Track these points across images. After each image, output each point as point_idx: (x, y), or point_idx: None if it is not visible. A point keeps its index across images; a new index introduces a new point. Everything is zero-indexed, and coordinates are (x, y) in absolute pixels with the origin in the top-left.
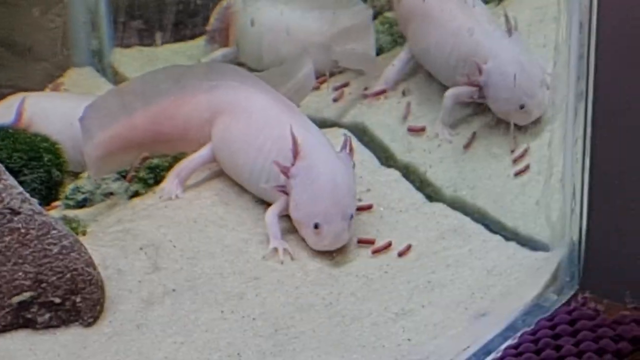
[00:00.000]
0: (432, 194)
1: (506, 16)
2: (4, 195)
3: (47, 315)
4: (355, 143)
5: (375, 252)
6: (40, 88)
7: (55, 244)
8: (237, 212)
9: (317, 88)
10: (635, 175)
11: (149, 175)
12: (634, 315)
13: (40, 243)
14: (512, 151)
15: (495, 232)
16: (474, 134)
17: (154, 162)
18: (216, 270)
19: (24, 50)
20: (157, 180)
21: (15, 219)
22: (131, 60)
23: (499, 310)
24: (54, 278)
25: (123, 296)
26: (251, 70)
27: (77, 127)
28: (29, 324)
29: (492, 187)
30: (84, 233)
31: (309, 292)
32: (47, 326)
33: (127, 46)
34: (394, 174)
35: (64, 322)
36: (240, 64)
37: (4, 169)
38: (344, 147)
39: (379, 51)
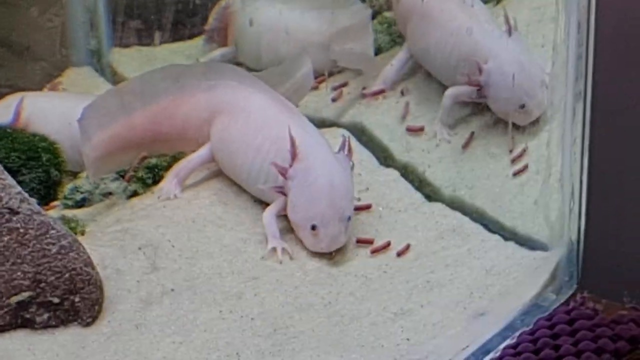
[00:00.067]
0: (430, 193)
1: (506, 16)
2: (2, 195)
3: (45, 315)
4: (354, 143)
5: (374, 251)
6: (39, 88)
7: (54, 244)
8: (236, 212)
9: (315, 88)
10: (634, 175)
11: (147, 175)
12: (632, 314)
13: (39, 243)
14: (511, 151)
15: (494, 232)
16: (473, 133)
17: (152, 161)
18: (215, 270)
19: (22, 49)
20: (156, 180)
21: (14, 218)
22: (130, 60)
23: (497, 309)
24: (53, 278)
25: (122, 296)
26: (250, 70)
27: (75, 126)
28: (28, 324)
29: (490, 187)
30: (82, 233)
31: (308, 291)
32: (46, 326)
33: (126, 46)
34: (393, 173)
35: (63, 322)
36: (239, 64)
37: (2, 168)
38: (342, 148)
39: (378, 51)
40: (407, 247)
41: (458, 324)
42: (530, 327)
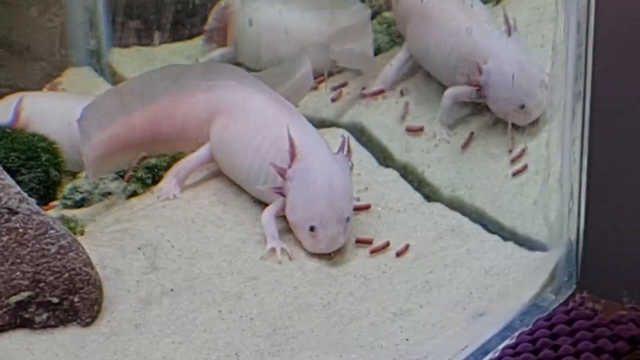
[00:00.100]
0: (430, 193)
1: (505, 16)
2: (1, 194)
3: (44, 315)
4: (354, 143)
5: (374, 252)
6: (39, 88)
7: (53, 244)
8: (235, 212)
9: (315, 88)
10: (633, 175)
11: (146, 175)
12: (631, 314)
13: (38, 243)
14: (510, 151)
15: (493, 232)
16: (472, 134)
17: (152, 162)
18: (214, 270)
19: (22, 49)
20: (155, 180)
21: (13, 218)
22: (129, 60)
23: (496, 310)
24: (52, 278)
25: (121, 296)
26: (249, 70)
27: (74, 126)
28: (27, 324)
29: (490, 187)
30: (81, 233)
31: (307, 292)
32: (45, 326)
33: (125, 46)
34: (392, 173)
35: (62, 322)
36: (238, 64)
37: (1, 168)
38: (341, 148)
39: (377, 51)
40: (406, 247)
41: (457, 324)
42: (530, 327)
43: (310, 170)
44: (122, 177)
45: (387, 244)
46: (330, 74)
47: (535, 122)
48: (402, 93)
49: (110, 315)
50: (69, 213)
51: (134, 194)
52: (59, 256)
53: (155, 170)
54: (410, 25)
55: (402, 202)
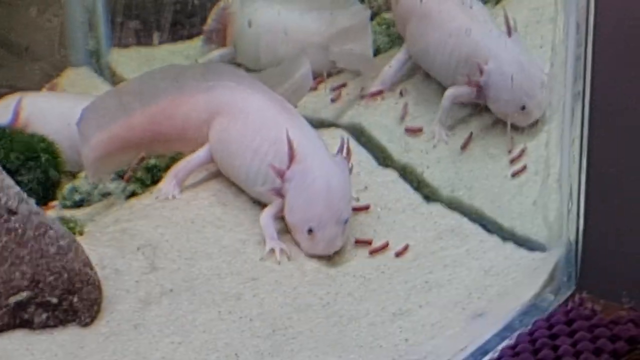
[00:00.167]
0: (429, 194)
1: (506, 17)
2: (1, 195)
3: (44, 316)
4: (353, 143)
5: (373, 252)
6: (38, 88)
7: (52, 244)
8: (235, 213)
9: (314, 89)
10: (632, 175)
11: (146, 176)
12: (630, 315)
13: (37, 243)
14: (510, 152)
15: (492, 233)
16: (471, 134)
17: (151, 162)
18: (214, 270)
19: (21, 50)
20: (155, 181)
21: (13, 219)
22: (128, 60)
23: (496, 310)
24: (51, 278)
25: (120, 296)
26: (248, 70)
27: (74, 127)
28: (26, 324)
29: (489, 188)
30: (81, 233)
31: (307, 292)
32: (44, 326)
33: (125, 46)
34: (392, 174)
35: (61, 322)
36: (238, 65)
37: (1, 168)
38: (340, 150)
39: (377, 52)
40: (406, 247)
41: (456, 324)
42: (529, 327)
43: (308, 171)
44: (122, 177)
45: (387, 245)
46: (329, 75)
47: (534, 123)
48: (401, 94)
49: (110, 315)
50: (68, 213)
51: (133, 194)
52: (58, 256)
53: (155, 170)
54: (410, 26)
55: (402, 202)
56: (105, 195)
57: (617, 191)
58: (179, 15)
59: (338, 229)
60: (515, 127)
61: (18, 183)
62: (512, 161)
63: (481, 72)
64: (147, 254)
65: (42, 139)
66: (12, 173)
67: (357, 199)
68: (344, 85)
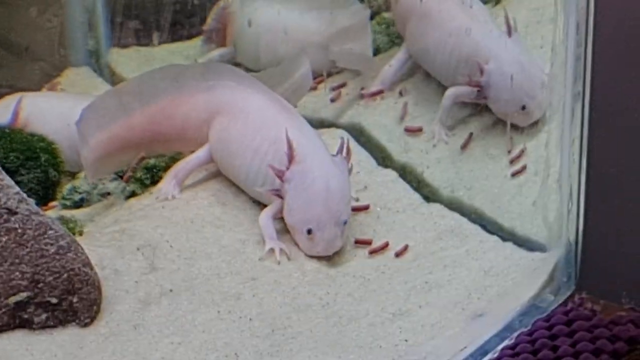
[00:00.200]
0: (429, 194)
1: (506, 17)
2: (0, 195)
3: (43, 316)
4: (353, 143)
5: (373, 252)
6: (38, 88)
7: (52, 244)
8: (234, 213)
9: (314, 88)
10: (632, 175)
11: (145, 176)
12: (630, 315)
13: (37, 243)
14: (509, 152)
15: (492, 233)
16: (471, 134)
17: (150, 162)
18: (213, 270)
19: (21, 50)
20: (154, 181)
21: (12, 219)
22: (128, 60)
23: (496, 310)
24: (51, 278)
25: (120, 296)
26: (248, 70)
27: (74, 127)
28: (26, 324)
29: (489, 188)
30: (80, 233)
31: (306, 292)
32: (44, 326)
33: (124, 46)
34: (391, 174)
35: (61, 323)
36: (237, 64)
37: (0, 168)
38: (340, 150)
39: (376, 51)
40: (406, 247)
41: (456, 324)
42: (529, 328)
43: (308, 172)
44: (121, 177)
45: (386, 245)
46: (329, 75)
47: (534, 123)
48: (401, 93)
49: (109, 315)
50: (68, 213)
51: (132, 194)
52: (58, 256)
53: (154, 170)
54: (410, 26)
55: (401, 202)
56: (105, 195)
57: (617, 191)
58: (179, 15)
59: (337, 230)
60: (515, 128)
61: (18, 183)
62: (512, 161)
63: (482, 72)
64: (147, 254)
65: (42, 139)
66: (11, 173)
67: (357, 199)
68: (343, 84)
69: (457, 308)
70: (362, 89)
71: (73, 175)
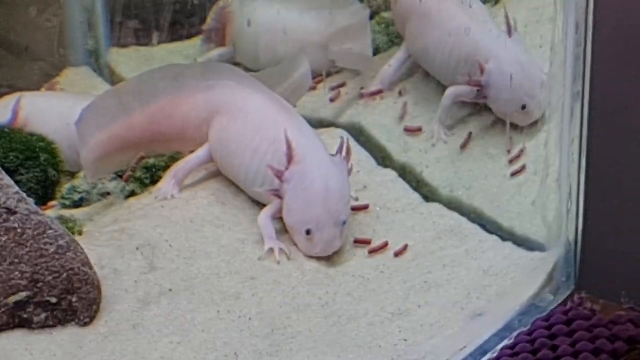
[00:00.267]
0: (428, 194)
1: (507, 16)
2: (0, 195)
3: (43, 315)
4: (352, 143)
5: (372, 252)
6: (37, 88)
7: (51, 244)
8: (234, 213)
9: (314, 88)
10: (632, 175)
11: (145, 176)
12: (630, 315)
13: (36, 243)
14: (509, 151)
15: (491, 233)
16: (471, 134)
17: (150, 162)
18: (213, 270)
19: (20, 50)
20: (154, 180)
21: (12, 218)
22: (128, 60)
23: (495, 310)
24: (50, 278)
25: (119, 296)
26: (248, 70)
27: (73, 127)
28: (25, 324)
29: (488, 188)
30: (80, 233)
31: (306, 292)
32: (44, 326)
33: (124, 46)
34: (391, 174)
35: (60, 322)
36: (237, 64)
37: (0, 168)
38: (339, 150)
39: (376, 51)
40: (405, 247)
41: (456, 324)
42: (528, 327)
43: (307, 173)
44: (121, 177)
45: (386, 244)
46: (328, 74)
47: (534, 123)
48: (400, 93)
49: (109, 315)
50: (67, 213)
51: (132, 194)
52: (57, 256)
53: (154, 170)
54: (410, 25)
55: (401, 202)
56: (105, 195)
57: (616, 191)
58: (179, 15)
59: (336, 231)
60: (514, 127)
61: (17, 183)
62: (512, 161)
63: (482, 71)
64: (146, 254)
65: (41, 139)
66: (11, 173)
67: (357, 199)
68: (343, 84)
69: (456, 308)
70: (362, 88)
71: (72, 174)
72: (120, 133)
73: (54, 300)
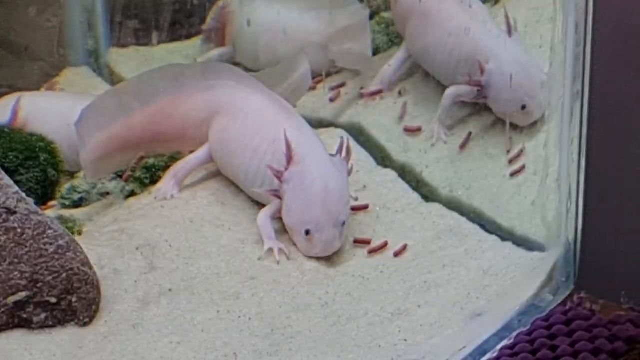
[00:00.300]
0: (428, 194)
1: (507, 16)
2: None
3: (42, 315)
4: (352, 143)
5: (372, 252)
6: (37, 88)
7: (51, 244)
8: (234, 212)
9: (313, 88)
10: (631, 175)
11: (145, 175)
12: (629, 315)
13: (36, 243)
14: (508, 151)
15: (491, 233)
16: (470, 134)
17: (150, 162)
18: (212, 270)
19: (20, 49)
20: (153, 180)
21: (11, 218)
22: (127, 60)
23: (495, 310)
24: (50, 278)
25: (119, 296)
26: (247, 70)
27: (73, 126)
28: (25, 324)
29: (488, 188)
30: (79, 233)
31: (305, 292)
32: (43, 326)
33: (124, 46)
34: (390, 174)
35: (60, 322)
36: (237, 64)
37: None
38: (339, 150)
39: (376, 51)
40: (405, 247)
41: (455, 324)
42: (528, 327)
43: (306, 173)
44: (121, 177)
45: (385, 244)
46: (328, 74)
47: (533, 123)
48: (400, 93)
49: (108, 315)
50: (67, 213)
51: (132, 194)
52: (57, 256)
53: (154, 170)
54: (410, 25)
55: (401, 202)
56: (104, 194)
57: (616, 191)
58: (178, 15)
59: (336, 231)
60: (514, 127)
61: (17, 182)
62: (511, 161)
63: (482, 71)
64: (146, 254)
65: (41, 139)
66: (10, 172)
67: (356, 199)
68: (342, 84)
69: (456, 307)
70: (362, 88)
71: (72, 174)
72: (120, 133)
73: (53, 300)
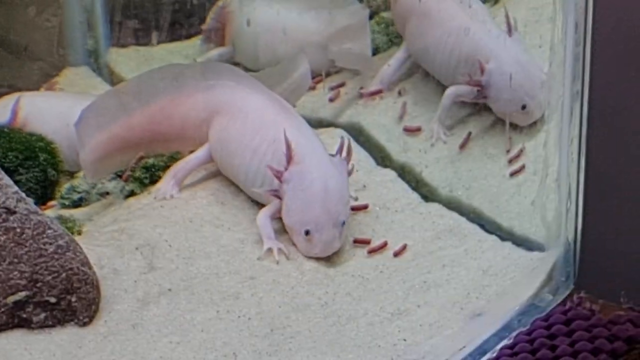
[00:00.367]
0: (427, 194)
1: (507, 16)
2: None
3: (42, 315)
4: (352, 143)
5: (371, 252)
6: (37, 87)
7: (50, 244)
8: (233, 212)
9: (313, 88)
10: (631, 175)
11: (144, 175)
12: (629, 315)
13: (35, 242)
14: (508, 151)
15: (490, 232)
16: (470, 134)
17: (149, 161)
18: (212, 270)
19: (20, 49)
20: (153, 180)
21: (11, 218)
22: (127, 60)
23: (494, 310)
24: (50, 277)
25: (119, 296)
26: (247, 70)
27: (72, 126)
28: (24, 324)
29: (487, 187)
30: (79, 232)
31: (305, 292)
32: (43, 326)
33: (123, 46)
34: (390, 174)
35: (60, 322)
36: (236, 64)
37: None
38: (339, 150)
39: (375, 51)
40: (404, 247)
41: (455, 324)
42: (527, 327)
43: (306, 173)
44: (120, 176)
45: (385, 244)
46: (328, 74)
47: (533, 123)
48: (400, 93)
49: (108, 315)
50: (66, 213)
51: (131, 193)
52: (56, 256)
53: (153, 170)
54: (409, 25)
55: (400, 202)
56: (104, 194)
57: (615, 191)
58: (178, 15)
59: (335, 232)
60: (513, 127)
61: (16, 182)
62: (511, 161)
63: (482, 71)
64: (146, 254)
65: (41, 139)
66: (10, 172)
67: (356, 199)
68: (342, 84)
69: (455, 307)
70: (361, 88)
71: (72, 174)
72: (120, 133)
73: (53, 300)
